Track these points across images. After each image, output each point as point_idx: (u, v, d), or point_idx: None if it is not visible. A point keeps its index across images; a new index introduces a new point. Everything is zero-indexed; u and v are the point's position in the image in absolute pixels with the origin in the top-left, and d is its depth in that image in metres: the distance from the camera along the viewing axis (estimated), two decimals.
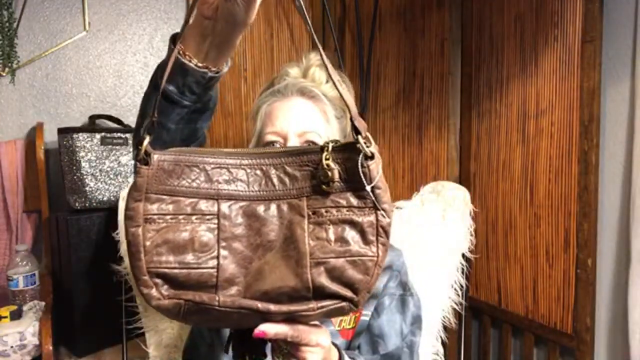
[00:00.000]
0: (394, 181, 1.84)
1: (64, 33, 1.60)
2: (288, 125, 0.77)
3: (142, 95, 0.66)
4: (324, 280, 0.48)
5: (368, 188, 0.48)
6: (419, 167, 1.73)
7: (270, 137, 0.77)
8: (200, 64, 0.59)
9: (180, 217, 0.50)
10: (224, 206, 0.50)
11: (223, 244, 0.49)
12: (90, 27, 1.64)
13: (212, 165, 0.51)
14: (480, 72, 1.57)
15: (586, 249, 1.28)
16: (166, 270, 0.49)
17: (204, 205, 0.50)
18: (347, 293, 0.49)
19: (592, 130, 1.25)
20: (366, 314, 0.79)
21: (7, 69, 1.48)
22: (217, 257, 0.49)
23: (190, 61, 0.59)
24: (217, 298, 0.48)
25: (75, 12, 1.61)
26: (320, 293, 0.48)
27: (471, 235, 1.29)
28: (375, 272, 0.48)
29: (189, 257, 0.49)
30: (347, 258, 0.48)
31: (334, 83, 0.49)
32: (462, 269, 1.28)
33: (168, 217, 0.50)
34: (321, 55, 0.50)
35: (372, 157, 0.48)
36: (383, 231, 0.49)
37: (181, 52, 0.59)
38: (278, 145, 0.77)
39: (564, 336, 1.34)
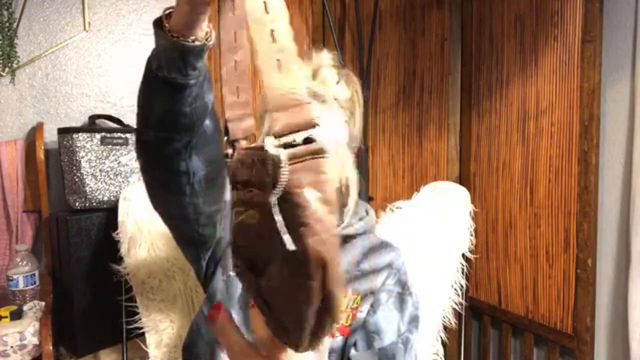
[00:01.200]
0: (394, 181, 1.84)
1: (64, 33, 1.60)
2: None
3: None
4: None
5: (273, 199, 0.34)
6: (419, 167, 1.73)
7: None
8: (196, 39, 0.57)
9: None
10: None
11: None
12: (90, 27, 1.63)
13: None
14: (480, 72, 1.57)
15: (586, 249, 1.27)
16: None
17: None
18: None
19: (592, 130, 1.25)
20: (362, 311, 0.79)
21: (7, 69, 1.48)
22: None
23: (186, 41, 0.57)
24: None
25: (75, 12, 1.61)
26: None
27: (471, 235, 1.28)
28: None
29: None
30: None
31: None
32: (462, 269, 1.28)
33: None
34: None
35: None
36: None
37: (175, 35, 0.57)
38: None
39: (564, 336, 1.34)
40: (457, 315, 1.32)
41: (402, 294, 0.82)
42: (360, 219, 0.86)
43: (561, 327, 1.34)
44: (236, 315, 0.76)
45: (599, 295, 1.30)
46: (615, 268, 1.28)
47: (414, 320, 0.82)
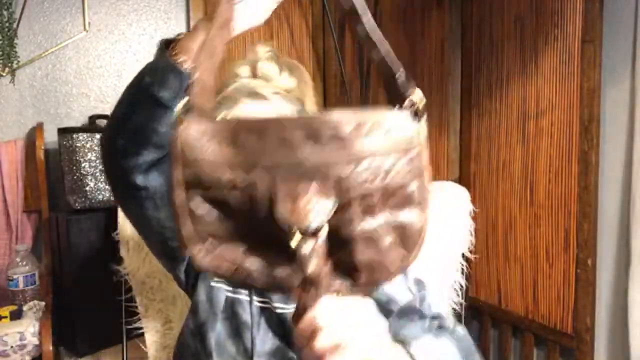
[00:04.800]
0: None
1: (64, 33, 1.60)
2: None
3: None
4: None
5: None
6: None
7: None
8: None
9: None
10: None
11: None
12: (90, 27, 1.63)
13: None
14: (480, 72, 1.57)
15: (586, 249, 1.27)
16: None
17: None
18: None
19: (592, 130, 1.25)
20: None
21: (7, 69, 1.48)
22: None
23: (186, 68, 0.60)
24: None
25: (75, 12, 1.61)
26: None
27: (471, 235, 1.29)
28: None
29: None
30: None
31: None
32: (462, 269, 1.28)
33: None
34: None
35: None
36: None
37: (180, 60, 0.60)
38: None
39: (564, 336, 1.34)
40: (457, 315, 1.32)
41: None
42: None
43: (561, 327, 1.34)
44: (222, 326, 0.75)
45: (599, 295, 1.30)
46: (615, 268, 1.28)
47: (419, 283, 0.81)
